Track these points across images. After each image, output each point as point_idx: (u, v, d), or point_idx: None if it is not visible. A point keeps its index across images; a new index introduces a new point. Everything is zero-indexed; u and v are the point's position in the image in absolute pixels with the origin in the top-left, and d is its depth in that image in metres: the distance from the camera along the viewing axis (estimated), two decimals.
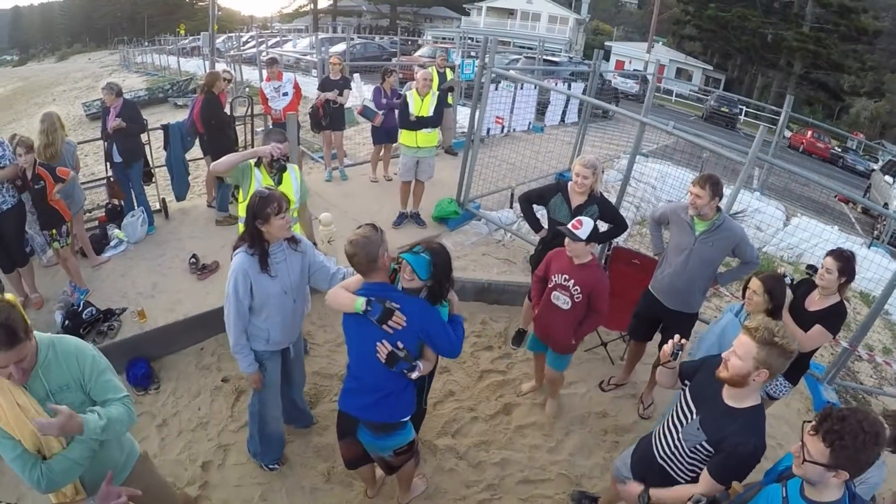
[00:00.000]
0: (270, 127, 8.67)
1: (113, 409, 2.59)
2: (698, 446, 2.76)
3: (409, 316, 3.07)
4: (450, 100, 10.60)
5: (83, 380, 2.60)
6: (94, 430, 2.46)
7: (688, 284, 4.62)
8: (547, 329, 4.62)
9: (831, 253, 4.16)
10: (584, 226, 4.15)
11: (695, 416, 2.84)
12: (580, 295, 4.30)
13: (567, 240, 4.23)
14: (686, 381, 3.07)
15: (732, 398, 2.71)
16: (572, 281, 4.31)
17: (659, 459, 3.02)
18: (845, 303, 4.25)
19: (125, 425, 2.67)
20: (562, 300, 4.39)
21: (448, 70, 10.62)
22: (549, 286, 4.50)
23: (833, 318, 4.14)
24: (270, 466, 4.33)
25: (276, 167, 4.58)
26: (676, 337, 2.90)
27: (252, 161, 4.59)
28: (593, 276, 4.29)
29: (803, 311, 4.25)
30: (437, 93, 7.38)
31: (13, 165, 5.07)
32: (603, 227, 4.97)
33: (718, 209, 4.42)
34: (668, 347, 2.97)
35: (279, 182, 4.61)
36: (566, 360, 4.80)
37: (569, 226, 4.22)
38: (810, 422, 2.26)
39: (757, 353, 2.54)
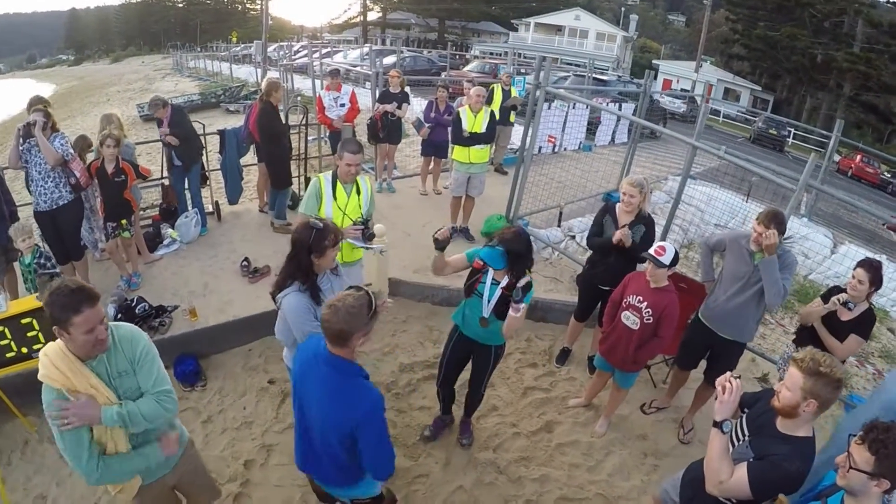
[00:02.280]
0: (324, 136, 8.84)
1: (143, 403, 2.66)
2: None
3: (353, 409, 2.66)
4: (512, 118, 10.67)
5: (134, 364, 2.69)
6: (109, 420, 2.54)
7: (743, 313, 4.58)
8: (612, 347, 4.65)
9: (862, 264, 4.31)
10: (668, 252, 4.21)
11: (747, 438, 2.87)
12: (651, 317, 4.34)
13: (649, 265, 4.28)
14: (745, 409, 3.09)
15: (786, 427, 2.72)
16: (646, 303, 4.35)
17: None
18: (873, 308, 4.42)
19: (153, 420, 2.70)
20: (631, 320, 4.43)
21: (513, 88, 10.64)
22: (622, 306, 4.55)
23: (865, 325, 4.34)
24: None
25: (368, 235, 4.60)
26: (728, 374, 2.82)
27: (321, 176, 4.62)
28: (667, 301, 4.32)
29: (836, 321, 4.39)
30: (490, 109, 7.45)
31: (57, 152, 5.32)
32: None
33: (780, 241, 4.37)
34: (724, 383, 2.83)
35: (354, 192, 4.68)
36: (632, 378, 4.85)
37: (652, 252, 4.26)
38: (856, 434, 2.42)
39: (804, 384, 2.56)
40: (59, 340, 2.50)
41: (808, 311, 4.62)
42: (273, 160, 7.45)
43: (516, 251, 3.72)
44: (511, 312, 3.73)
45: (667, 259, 4.19)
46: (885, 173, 27.20)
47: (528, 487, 4.54)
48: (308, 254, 3.27)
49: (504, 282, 3.89)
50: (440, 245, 3.91)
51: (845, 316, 4.36)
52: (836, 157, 25.16)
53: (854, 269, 4.35)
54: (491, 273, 3.95)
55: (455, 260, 4.07)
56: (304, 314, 3.30)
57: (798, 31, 44.25)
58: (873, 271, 4.24)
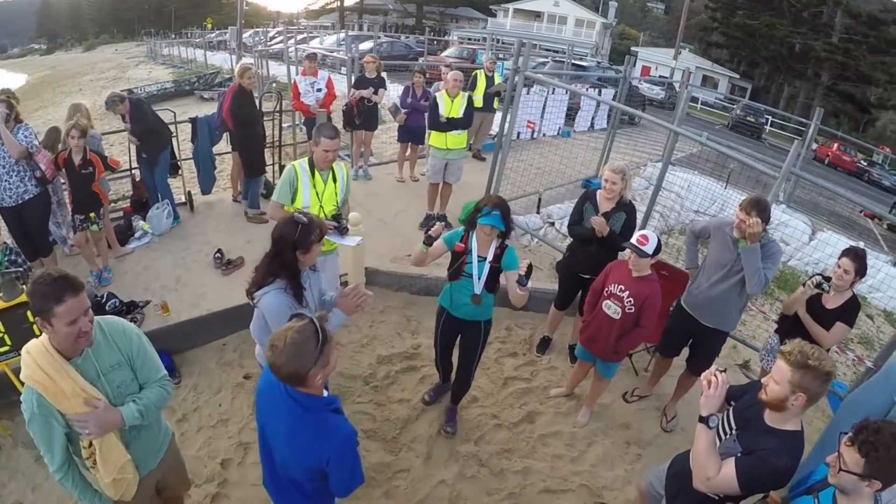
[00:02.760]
0: (299, 123, 8.65)
1: (151, 393, 2.65)
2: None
3: (321, 446, 2.39)
4: (496, 104, 10.55)
5: (132, 357, 2.62)
6: (132, 419, 2.51)
7: (726, 301, 4.51)
8: (593, 336, 4.60)
9: (847, 253, 4.34)
10: (651, 241, 4.15)
11: (734, 432, 2.82)
12: (632, 307, 4.28)
13: (631, 255, 4.22)
14: (731, 402, 3.03)
15: (773, 421, 2.68)
16: (627, 292, 4.29)
17: None
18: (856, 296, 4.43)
19: (161, 408, 2.76)
20: (612, 309, 4.38)
21: (496, 74, 10.56)
22: (604, 295, 4.49)
23: (850, 313, 4.37)
24: None
25: (342, 229, 4.48)
26: (713, 368, 2.77)
27: (297, 164, 4.44)
28: (649, 290, 4.27)
29: (822, 309, 4.42)
30: (468, 94, 7.36)
31: (21, 145, 5.14)
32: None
33: (764, 230, 4.28)
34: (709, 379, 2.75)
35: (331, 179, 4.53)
36: (614, 368, 4.80)
37: (634, 241, 4.20)
38: (847, 433, 2.39)
39: (792, 377, 2.51)
40: (42, 337, 2.40)
41: (791, 301, 4.62)
42: (246, 147, 7.29)
43: (507, 213, 3.89)
44: (519, 291, 3.83)
45: (650, 248, 4.14)
46: (862, 161, 27.59)
47: (510, 480, 4.47)
48: (293, 251, 3.06)
49: (490, 256, 4.01)
50: (430, 241, 3.98)
51: (830, 304, 4.37)
52: (814, 145, 25.51)
53: (839, 258, 4.35)
54: (475, 252, 4.03)
55: (435, 249, 4.08)
56: (287, 315, 3.14)
57: (777, 20, 44.83)
58: (858, 260, 4.26)
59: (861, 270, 4.26)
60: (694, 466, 2.77)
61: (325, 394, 2.53)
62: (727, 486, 2.62)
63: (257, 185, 7.55)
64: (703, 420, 2.69)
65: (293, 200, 4.39)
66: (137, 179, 7.29)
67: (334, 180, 4.53)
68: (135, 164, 7.29)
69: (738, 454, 2.67)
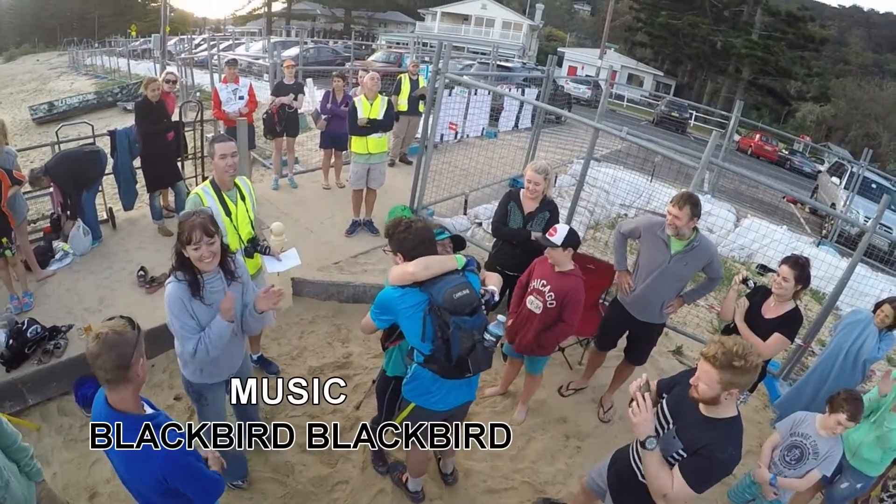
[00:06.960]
0: (222, 132, 8.44)
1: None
2: (675, 454, 2.72)
3: (147, 464, 2.33)
4: (421, 108, 10.55)
5: None
6: None
7: (660, 300, 4.58)
8: (517, 331, 4.60)
9: (786, 261, 4.16)
10: (559, 231, 4.16)
11: (671, 426, 2.83)
12: (554, 301, 4.29)
13: (546, 248, 4.23)
14: (663, 395, 3.05)
15: (709, 411, 2.70)
16: (549, 287, 4.30)
17: (635, 468, 3.01)
18: (800, 308, 4.27)
19: None
20: (534, 304, 4.40)
21: (421, 77, 10.53)
22: (528, 291, 4.52)
23: (790, 325, 4.17)
24: (235, 483, 4.10)
25: (263, 249, 4.36)
26: (645, 379, 2.83)
27: (199, 192, 4.10)
28: (570, 285, 4.26)
29: (760, 318, 4.29)
30: (386, 98, 7.31)
31: None
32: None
33: (695, 228, 4.32)
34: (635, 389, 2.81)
35: (239, 198, 4.26)
36: (542, 363, 4.81)
37: (545, 234, 4.22)
38: None
39: (720, 379, 2.53)
40: None
41: (726, 304, 4.57)
42: (146, 159, 7.13)
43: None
44: None
45: (558, 239, 4.14)
46: (783, 151, 28.78)
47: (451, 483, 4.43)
48: (182, 244, 3.08)
49: None
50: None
51: (769, 313, 4.26)
52: (737, 137, 26.44)
53: (779, 265, 4.21)
54: None
55: None
56: (179, 304, 3.10)
57: (699, 19, 46.56)
58: (799, 268, 4.08)
59: (802, 279, 4.07)
60: (650, 488, 2.79)
61: (148, 410, 2.47)
62: (683, 493, 2.65)
63: (179, 196, 7.41)
64: (642, 444, 2.72)
65: None
66: (61, 203, 6.92)
67: (243, 198, 4.26)
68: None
69: (680, 450, 2.70)
